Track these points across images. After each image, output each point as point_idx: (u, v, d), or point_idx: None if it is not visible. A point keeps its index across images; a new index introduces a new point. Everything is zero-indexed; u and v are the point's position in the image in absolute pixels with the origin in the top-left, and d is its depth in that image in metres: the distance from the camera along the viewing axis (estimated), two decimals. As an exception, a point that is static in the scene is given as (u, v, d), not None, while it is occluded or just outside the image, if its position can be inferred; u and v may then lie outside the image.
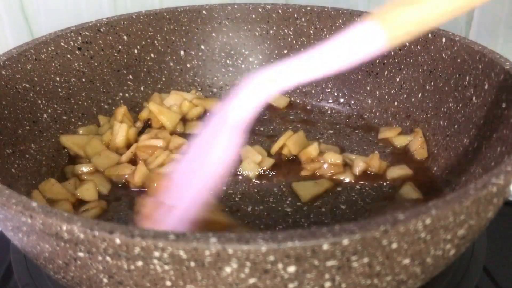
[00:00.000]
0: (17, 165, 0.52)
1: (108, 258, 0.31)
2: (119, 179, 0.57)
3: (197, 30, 0.73)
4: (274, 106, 0.73)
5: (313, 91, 0.74)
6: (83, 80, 0.64)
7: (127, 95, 0.69)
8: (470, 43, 0.56)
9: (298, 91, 0.74)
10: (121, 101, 0.69)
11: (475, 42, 0.56)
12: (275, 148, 0.62)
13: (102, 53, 0.66)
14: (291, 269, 0.29)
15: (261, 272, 0.29)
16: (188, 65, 0.74)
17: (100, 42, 0.66)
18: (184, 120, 0.68)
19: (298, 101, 0.74)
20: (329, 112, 0.72)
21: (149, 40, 0.70)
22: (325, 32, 0.71)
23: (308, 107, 0.73)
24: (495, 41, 0.80)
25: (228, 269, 0.29)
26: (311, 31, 0.72)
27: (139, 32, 0.69)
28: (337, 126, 0.69)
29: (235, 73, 0.75)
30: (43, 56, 0.59)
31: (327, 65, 0.38)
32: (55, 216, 0.31)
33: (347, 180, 0.57)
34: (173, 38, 0.72)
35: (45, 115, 0.59)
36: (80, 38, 0.64)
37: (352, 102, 0.71)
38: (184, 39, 0.72)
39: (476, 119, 0.53)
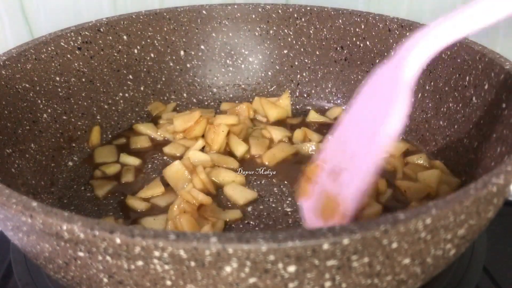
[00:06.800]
0: (17, 165, 0.52)
1: (108, 258, 0.31)
2: None
3: (197, 30, 0.73)
4: (274, 106, 0.73)
5: (313, 91, 0.74)
6: (83, 80, 0.64)
7: (127, 95, 0.69)
8: (470, 43, 0.56)
9: (298, 91, 0.74)
10: (121, 101, 0.69)
11: (475, 42, 0.56)
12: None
13: (102, 53, 0.66)
14: (291, 268, 0.29)
15: (262, 272, 0.29)
16: (188, 65, 0.74)
17: (100, 42, 0.66)
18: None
19: (298, 101, 0.74)
20: (329, 112, 0.72)
21: (149, 40, 0.70)
22: (325, 32, 0.71)
23: (308, 107, 0.73)
24: (495, 41, 0.80)
25: (228, 269, 0.29)
26: (311, 31, 0.72)
27: (139, 32, 0.69)
28: (337, 126, 0.69)
29: (235, 73, 0.75)
30: (43, 56, 0.59)
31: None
32: (55, 216, 0.31)
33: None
34: (173, 38, 0.72)
35: (45, 115, 0.59)
36: (80, 38, 0.64)
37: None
38: (184, 39, 0.72)
39: (476, 119, 0.53)
